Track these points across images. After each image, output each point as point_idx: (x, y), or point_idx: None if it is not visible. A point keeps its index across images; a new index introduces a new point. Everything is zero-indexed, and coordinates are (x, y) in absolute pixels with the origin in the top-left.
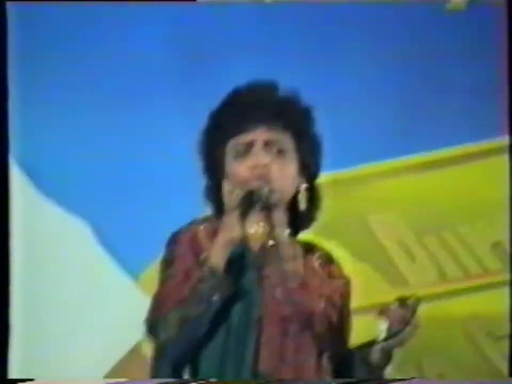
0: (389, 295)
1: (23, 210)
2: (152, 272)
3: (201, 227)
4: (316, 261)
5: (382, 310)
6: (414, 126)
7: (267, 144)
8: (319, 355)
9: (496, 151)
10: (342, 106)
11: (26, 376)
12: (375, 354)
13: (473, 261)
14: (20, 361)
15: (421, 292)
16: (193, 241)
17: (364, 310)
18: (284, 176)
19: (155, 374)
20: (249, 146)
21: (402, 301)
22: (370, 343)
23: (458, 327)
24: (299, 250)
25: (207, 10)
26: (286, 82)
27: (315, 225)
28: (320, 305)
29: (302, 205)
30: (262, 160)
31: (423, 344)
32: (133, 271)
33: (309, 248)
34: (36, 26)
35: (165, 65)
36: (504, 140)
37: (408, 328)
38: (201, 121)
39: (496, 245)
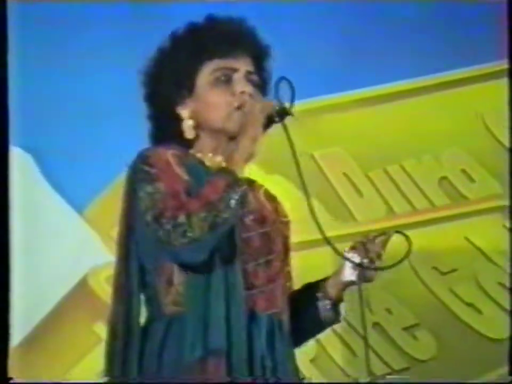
0: (336, 230)
1: None
2: (97, 206)
3: (169, 152)
4: (262, 198)
5: (353, 246)
6: (361, 60)
7: (249, 74)
8: (283, 285)
9: (442, 85)
10: (285, 40)
11: (26, 376)
12: (334, 290)
13: (420, 196)
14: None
15: (368, 227)
16: (167, 164)
17: (310, 245)
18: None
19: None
20: (230, 73)
21: (372, 237)
22: (322, 281)
23: (405, 262)
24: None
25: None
26: None
27: (261, 161)
28: (278, 238)
29: None
30: (248, 89)
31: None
32: (78, 204)
33: (251, 185)
34: (36, 26)
35: None
36: (454, 73)
37: (378, 263)
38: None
39: (442, 180)
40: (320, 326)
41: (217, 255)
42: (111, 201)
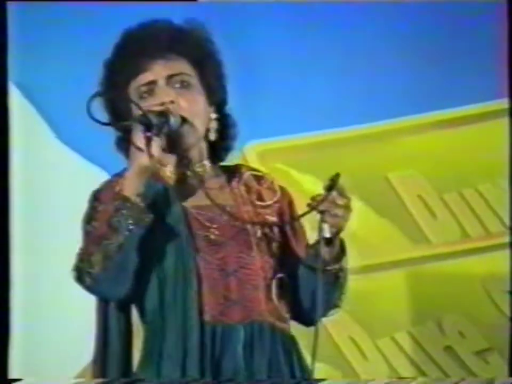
0: (410, 252)
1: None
2: None
3: (120, 181)
4: (241, 187)
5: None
6: (437, 83)
7: (169, 79)
8: (267, 285)
9: None
10: (367, 64)
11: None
12: (322, 250)
13: (494, 219)
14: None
15: (442, 250)
16: (113, 195)
17: (385, 266)
18: (192, 108)
19: (100, 315)
20: (151, 85)
21: (326, 185)
22: (313, 245)
23: (478, 285)
24: (223, 180)
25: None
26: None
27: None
28: (257, 232)
29: (212, 135)
30: (168, 97)
31: (443, 301)
32: None
33: (233, 174)
34: (36, 26)
35: None
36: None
37: (339, 209)
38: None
39: None
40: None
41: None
42: None
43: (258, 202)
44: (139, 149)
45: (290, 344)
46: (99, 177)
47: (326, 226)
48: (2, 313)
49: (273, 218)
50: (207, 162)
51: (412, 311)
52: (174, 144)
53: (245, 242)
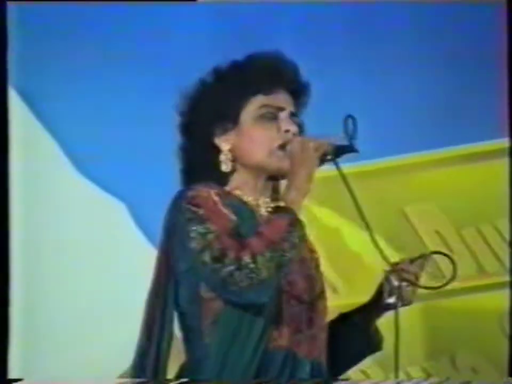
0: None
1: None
2: None
3: (212, 192)
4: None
5: (392, 269)
6: (452, 119)
7: (292, 114)
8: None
9: None
10: (382, 95)
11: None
12: (371, 316)
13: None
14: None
15: (458, 285)
16: (214, 204)
17: None
18: None
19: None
20: (277, 111)
21: (410, 259)
22: (358, 310)
23: (493, 321)
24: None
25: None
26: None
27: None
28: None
29: None
30: (291, 128)
31: (458, 336)
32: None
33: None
34: (36, 26)
35: None
36: None
37: (416, 286)
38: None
39: None
40: (359, 355)
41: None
42: None
43: (311, 253)
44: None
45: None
46: (97, 182)
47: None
48: (2, 313)
49: (319, 269)
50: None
51: (426, 346)
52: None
53: (314, 279)
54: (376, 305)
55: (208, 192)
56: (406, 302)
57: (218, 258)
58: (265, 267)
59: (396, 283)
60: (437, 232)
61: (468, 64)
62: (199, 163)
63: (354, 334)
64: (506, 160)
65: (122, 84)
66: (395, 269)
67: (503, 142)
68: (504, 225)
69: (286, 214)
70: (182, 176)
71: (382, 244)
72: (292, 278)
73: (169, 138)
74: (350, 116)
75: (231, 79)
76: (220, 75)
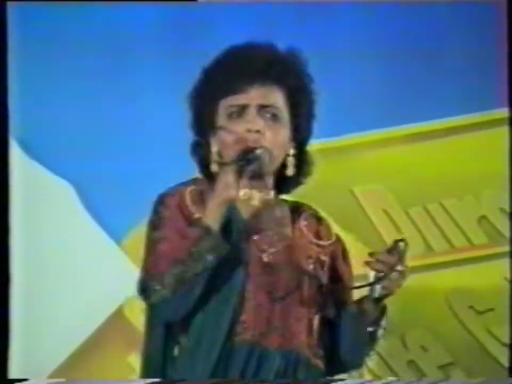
0: None
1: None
2: (135, 238)
3: (188, 189)
4: (302, 222)
5: (369, 259)
6: (402, 98)
7: (261, 108)
8: (309, 319)
9: (485, 124)
10: (330, 76)
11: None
12: (368, 308)
13: (459, 234)
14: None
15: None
16: (180, 203)
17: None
18: (276, 141)
19: (148, 335)
20: (243, 109)
21: (389, 248)
22: (361, 299)
23: (441, 300)
24: (286, 212)
25: None
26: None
27: (301, 195)
28: (308, 266)
29: (290, 170)
30: (255, 126)
31: (407, 316)
32: (116, 236)
33: (295, 209)
34: (36, 26)
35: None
36: (496, 113)
37: (395, 273)
38: (190, 80)
39: (482, 219)
40: (362, 349)
41: (198, 309)
42: None
43: (315, 240)
44: (227, 184)
45: (320, 381)
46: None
47: (377, 287)
48: (2, 313)
49: (325, 258)
50: (272, 192)
51: None
52: (254, 172)
53: (296, 272)
54: (368, 298)
55: (183, 190)
56: (387, 292)
57: (143, 270)
58: (168, 284)
59: (371, 273)
60: (384, 211)
61: (468, 64)
62: (200, 160)
63: (354, 326)
64: (452, 139)
65: (121, 83)
66: (371, 260)
67: (449, 121)
68: (451, 204)
69: (198, 227)
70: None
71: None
72: (262, 271)
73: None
74: None
75: (213, 78)
76: (203, 74)
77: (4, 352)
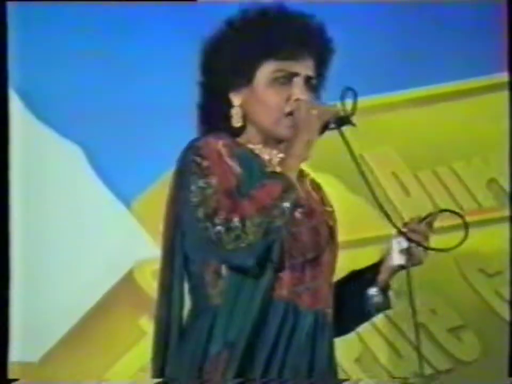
0: (384, 229)
1: (22, 137)
2: (145, 201)
3: (220, 143)
4: (309, 187)
5: (400, 230)
6: (410, 61)
7: (308, 79)
8: (331, 281)
9: (494, 88)
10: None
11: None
12: (383, 276)
13: (468, 197)
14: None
15: None
16: (219, 155)
17: (359, 243)
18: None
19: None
20: (291, 76)
21: (421, 218)
22: (371, 267)
23: (451, 263)
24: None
25: None
26: None
27: (311, 161)
28: (325, 231)
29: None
30: (304, 97)
31: (415, 279)
32: (126, 198)
33: (300, 174)
34: (36, 26)
35: None
36: (502, 77)
37: (424, 247)
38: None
39: (491, 182)
40: (368, 313)
41: (266, 260)
42: (159, 195)
43: (323, 206)
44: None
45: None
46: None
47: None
48: (2, 313)
49: (332, 224)
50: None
51: None
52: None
53: (321, 233)
54: (386, 265)
55: (216, 143)
56: (416, 262)
57: (210, 217)
58: (252, 232)
59: (405, 244)
60: (393, 174)
61: (468, 64)
62: (214, 118)
63: (362, 293)
64: (462, 102)
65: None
66: (404, 229)
67: (456, 84)
68: (460, 167)
69: (280, 180)
70: (199, 127)
71: (339, 186)
72: (296, 230)
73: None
74: (349, 89)
75: (251, 35)
76: (240, 28)
77: (4, 352)
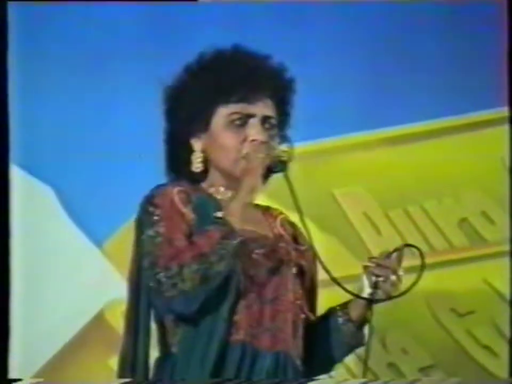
0: (355, 268)
1: None
2: (116, 241)
3: (175, 190)
4: (279, 227)
5: (366, 264)
6: (382, 101)
7: (265, 119)
8: (295, 320)
9: (465, 127)
10: (310, 78)
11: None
12: (356, 312)
13: (439, 236)
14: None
15: None
16: (171, 203)
17: (329, 282)
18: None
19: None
20: (247, 118)
21: (388, 253)
22: (345, 304)
23: (422, 303)
24: (261, 216)
25: None
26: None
27: (281, 198)
28: (291, 270)
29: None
30: (260, 137)
31: (387, 318)
32: (97, 238)
33: (269, 214)
34: (36, 26)
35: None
36: (475, 116)
37: (394, 278)
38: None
39: (462, 221)
40: (346, 350)
41: (209, 305)
42: (131, 235)
43: (294, 245)
44: (253, 187)
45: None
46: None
47: (378, 292)
48: (2, 313)
49: (304, 263)
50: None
51: None
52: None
53: (283, 275)
54: (358, 301)
55: (171, 191)
56: (384, 297)
57: (154, 265)
58: (189, 278)
59: (373, 278)
60: (364, 214)
61: (468, 64)
62: (178, 160)
63: (340, 329)
64: (431, 142)
65: (122, 80)
66: (370, 264)
67: (427, 124)
68: (432, 206)
69: (220, 225)
70: (167, 171)
71: (310, 226)
72: (253, 272)
73: None
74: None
75: (206, 80)
76: (196, 72)
77: (4, 352)
